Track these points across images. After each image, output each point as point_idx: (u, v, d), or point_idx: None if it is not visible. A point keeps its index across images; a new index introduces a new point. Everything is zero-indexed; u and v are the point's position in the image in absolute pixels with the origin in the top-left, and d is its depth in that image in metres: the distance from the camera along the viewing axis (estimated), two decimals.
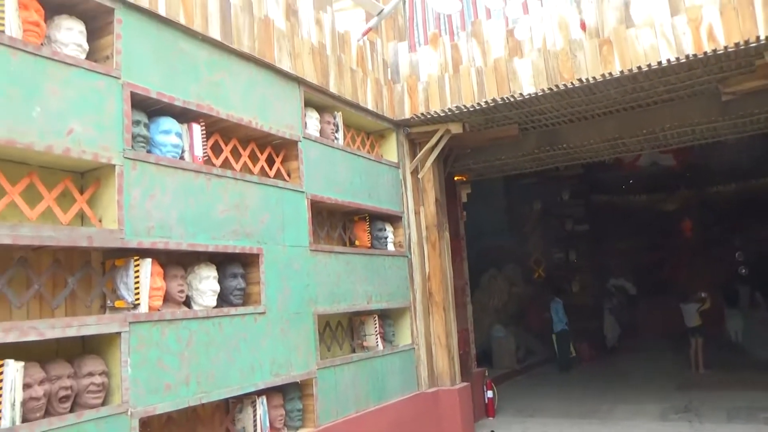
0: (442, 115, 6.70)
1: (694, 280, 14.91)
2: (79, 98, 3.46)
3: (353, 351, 6.09)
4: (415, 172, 7.21)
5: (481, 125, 7.28)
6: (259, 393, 4.57)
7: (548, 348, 13.66)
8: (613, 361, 13.85)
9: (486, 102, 6.36)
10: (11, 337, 2.98)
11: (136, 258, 3.75)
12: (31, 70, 3.24)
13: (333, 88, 5.85)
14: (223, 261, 4.52)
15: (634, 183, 17.77)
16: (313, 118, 5.72)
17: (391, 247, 6.66)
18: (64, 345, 3.52)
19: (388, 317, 6.57)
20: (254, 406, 4.51)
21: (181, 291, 4.10)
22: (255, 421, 4.50)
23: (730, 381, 9.96)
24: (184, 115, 4.29)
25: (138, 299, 3.72)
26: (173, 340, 3.86)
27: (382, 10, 6.56)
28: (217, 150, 4.70)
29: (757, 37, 5.13)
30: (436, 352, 6.99)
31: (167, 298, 4.00)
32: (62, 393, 3.23)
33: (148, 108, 4.07)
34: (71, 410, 3.28)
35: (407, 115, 6.82)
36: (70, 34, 3.58)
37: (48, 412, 3.18)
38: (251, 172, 4.93)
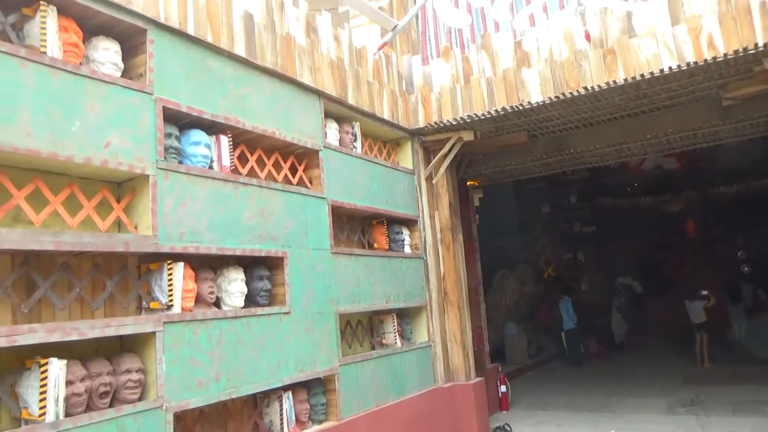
0: (455, 123, 6.69)
1: (698, 278, 14.69)
2: (115, 113, 3.51)
3: (373, 348, 6.08)
4: (429, 178, 7.20)
5: (492, 133, 7.26)
6: (285, 388, 4.58)
7: (558, 345, 13.55)
8: (620, 356, 13.68)
9: (496, 110, 6.33)
10: (54, 337, 3.02)
11: (169, 262, 3.78)
12: (71, 88, 3.29)
13: (351, 100, 5.87)
14: (250, 264, 4.55)
15: (638, 186, 17.58)
16: (332, 128, 5.74)
17: (407, 249, 6.65)
18: (104, 344, 3.55)
19: (405, 316, 6.56)
20: (281, 401, 4.53)
21: (212, 293, 4.13)
22: (281, 415, 4.51)
23: (735, 375, 9.80)
24: (212, 128, 4.33)
25: (171, 301, 3.75)
26: (204, 339, 3.88)
27: (396, 26, 6.57)
28: (243, 160, 4.73)
29: (756, 45, 5.07)
30: (451, 348, 6.97)
31: (198, 300, 4.03)
32: (102, 389, 3.27)
33: (179, 121, 4.11)
34: (110, 405, 3.31)
35: (421, 124, 6.82)
36: (107, 53, 3.63)
37: (89, 407, 3.22)
38: (275, 180, 4.95)
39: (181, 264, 3.82)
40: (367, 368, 5.50)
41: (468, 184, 8.78)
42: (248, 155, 4.79)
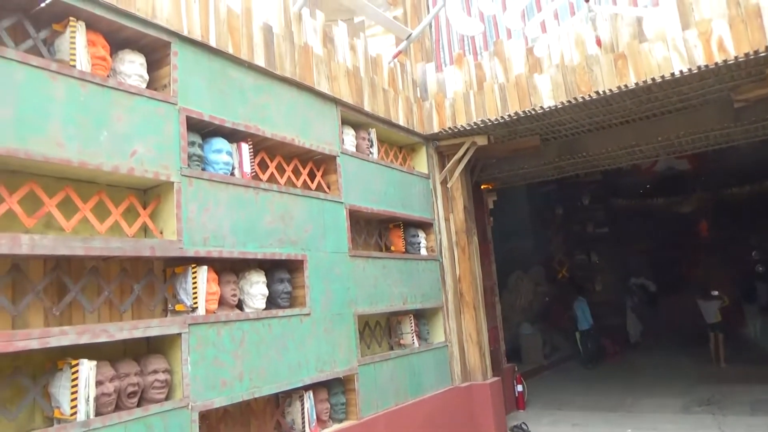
0: (468, 128, 6.67)
1: (712, 278, 14.48)
2: (141, 123, 3.56)
3: (391, 348, 6.07)
4: (444, 182, 7.19)
5: (505, 137, 7.23)
6: (306, 388, 4.59)
7: (573, 345, 13.41)
8: (635, 356, 13.51)
9: (509, 115, 6.31)
10: (84, 339, 3.06)
11: (193, 266, 3.82)
12: (99, 100, 3.34)
13: (367, 107, 5.88)
14: (270, 267, 4.57)
15: (651, 187, 17.39)
16: (349, 134, 5.76)
17: (423, 251, 6.64)
18: (131, 345, 3.59)
19: (422, 317, 6.54)
20: (302, 400, 4.53)
21: (234, 295, 4.15)
22: (303, 414, 4.52)
23: (752, 375, 9.59)
24: (233, 135, 4.37)
25: (196, 303, 3.78)
26: (228, 340, 3.91)
27: (410, 35, 6.59)
28: (263, 166, 4.77)
29: (766, 47, 4.99)
30: (468, 348, 6.93)
31: (221, 302, 4.06)
32: (130, 389, 3.29)
33: (201, 130, 4.15)
34: (138, 405, 3.34)
35: (436, 129, 6.81)
36: (133, 66, 3.68)
37: (118, 407, 3.25)
38: (295, 186, 4.98)
39: (205, 267, 3.85)
40: (385, 368, 5.50)
41: (482, 187, 8.75)
42: (268, 162, 4.82)
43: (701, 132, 7.20)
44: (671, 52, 5.40)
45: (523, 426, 7.15)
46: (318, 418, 4.66)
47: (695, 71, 5.37)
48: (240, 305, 4.29)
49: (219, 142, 4.21)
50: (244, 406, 4.26)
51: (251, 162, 4.44)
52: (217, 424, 4.04)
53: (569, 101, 5.97)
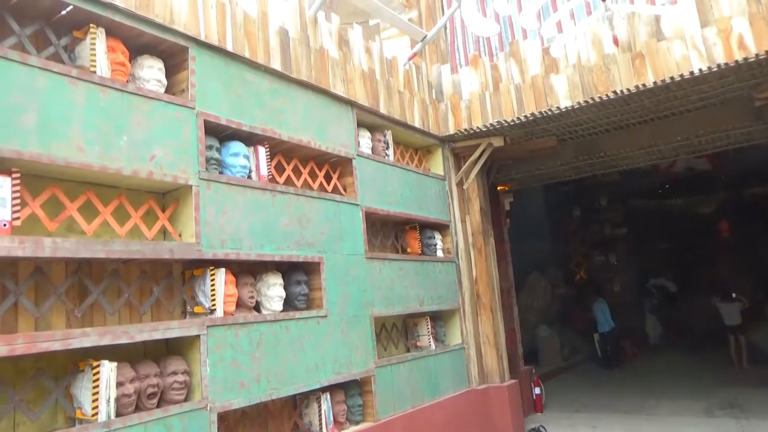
0: (484, 129, 6.65)
1: (732, 279, 14.25)
2: (160, 127, 3.60)
3: (408, 350, 6.07)
4: (460, 184, 7.17)
5: (522, 138, 7.19)
6: (323, 390, 4.60)
7: (591, 346, 13.28)
8: (655, 358, 13.34)
9: (525, 116, 6.28)
10: (106, 340, 3.10)
11: (211, 268, 3.85)
12: (119, 105, 3.39)
13: (383, 109, 5.89)
14: (287, 269, 4.60)
15: (670, 187, 17.17)
16: (365, 137, 5.77)
17: (440, 253, 6.63)
18: (151, 347, 3.63)
19: (439, 318, 6.53)
20: (319, 402, 4.55)
21: (252, 297, 4.18)
22: (320, 415, 4.53)
23: None
24: (250, 139, 4.40)
25: (214, 305, 3.82)
26: (246, 342, 3.94)
27: (425, 37, 6.59)
28: (280, 169, 4.80)
29: None
30: (485, 350, 6.90)
31: (239, 304, 4.08)
32: (150, 390, 3.32)
33: (219, 133, 4.19)
34: (158, 406, 3.37)
35: (451, 131, 6.80)
36: (151, 71, 3.73)
37: (138, 408, 3.28)
38: (311, 188, 5.00)
39: (223, 270, 3.89)
40: (402, 370, 5.49)
41: (498, 188, 8.71)
42: (285, 164, 4.85)
43: (721, 131, 7.11)
44: (690, 50, 5.34)
45: (541, 429, 7.10)
46: (335, 420, 4.67)
47: (715, 69, 5.30)
48: (257, 307, 4.31)
49: (236, 146, 4.25)
50: (261, 408, 4.28)
51: (268, 165, 4.46)
52: (236, 426, 4.07)
53: (586, 101, 5.93)
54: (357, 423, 4.91)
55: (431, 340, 6.12)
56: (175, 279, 3.89)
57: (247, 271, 4.27)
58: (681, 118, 7.08)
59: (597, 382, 10.82)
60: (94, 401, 3.03)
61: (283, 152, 4.85)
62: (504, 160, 7.87)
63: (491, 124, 6.51)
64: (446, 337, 6.56)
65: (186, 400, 3.51)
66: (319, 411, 4.53)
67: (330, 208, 4.99)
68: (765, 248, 16.19)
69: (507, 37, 6.82)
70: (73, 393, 3.13)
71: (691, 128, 7.08)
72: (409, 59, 6.57)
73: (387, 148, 6.06)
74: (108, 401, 3.08)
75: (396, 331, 6.04)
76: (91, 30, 3.39)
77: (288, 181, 4.80)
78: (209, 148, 3.99)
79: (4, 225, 2.80)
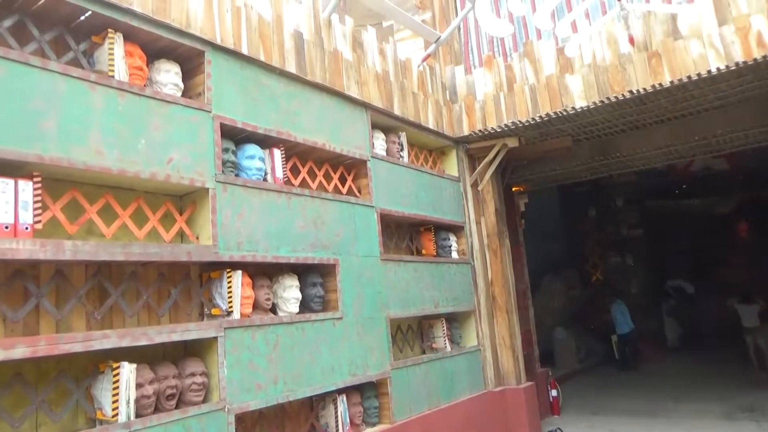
0: (499, 130, 6.64)
1: (752, 280, 14.06)
2: (177, 131, 3.64)
3: (423, 352, 6.07)
4: (475, 185, 7.16)
5: (536, 138, 7.17)
6: (339, 391, 4.61)
7: (608, 348, 13.16)
8: (674, 360, 13.19)
9: (540, 117, 6.26)
10: (125, 342, 3.13)
11: (228, 270, 3.88)
12: (137, 109, 3.43)
13: (397, 111, 5.90)
14: (303, 271, 4.62)
15: (687, 187, 16.99)
16: (379, 138, 5.79)
17: (455, 255, 6.62)
18: (169, 349, 3.67)
19: (454, 320, 6.52)
20: (335, 404, 4.56)
21: (268, 299, 4.20)
22: (336, 417, 4.54)
23: None
24: (265, 141, 4.43)
25: (231, 307, 3.85)
26: (262, 344, 3.96)
27: (439, 38, 6.60)
28: (295, 171, 4.82)
29: None
30: (501, 352, 6.88)
31: (256, 306, 4.11)
32: (169, 391, 3.35)
33: (235, 136, 4.22)
34: (177, 407, 3.40)
35: (466, 132, 6.79)
36: (168, 75, 3.77)
37: (157, 409, 3.31)
38: (326, 190, 5.02)
39: (239, 272, 3.92)
40: (418, 372, 5.49)
41: (513, 189, 8.68)
42: (300, 167, 4.88)
43: (740, 130, 7.02)
44: (707, 49, 5.29)
45: (559, 431, 7.05)
46: (351, 422, 4.68)
47: (733, 68, 5.24)
48: (274, 309, 4.34)
49: (252, 149, 4.28)
50: (278, 409, 4.30)
51: (283, 167, 4.49)
52: (253, 427, 4.10)
53: (602, 101, 5.89)
54: (373, 425, 4.92)
55: (447, 342, 6.11)
56: (193, 281, 3.92)
57: (263, 273, 4.30)
58: (698, 117, 7.00)
59: (614, 385, 10.73)
60: (114, 402, 3.07)
61: (298, 154, 4.88)
62: (519, 160, 7.84)
63: (506, 125, 6.49)
64: (462, 339, 6.55)
65: (204, 401, 3.54)
66: (336, 413, 4.55)
67: (345, 210, 5.00)
68: None
69: (521, 38, 6.80)
70: (94, 394, 3.17)
71: (709, 128, 7.01)
72: (423, 60, 6.57)
73: (401, 149, 6.06)
74: (128, 402, 3.11)
75: (411, 333, 6.04)
76: (110, 35, 3.44)
77: (303, 184, 4.82)
78: (225, 150, 4.02)
79: (26, 228, 2.84)
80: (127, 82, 3.46)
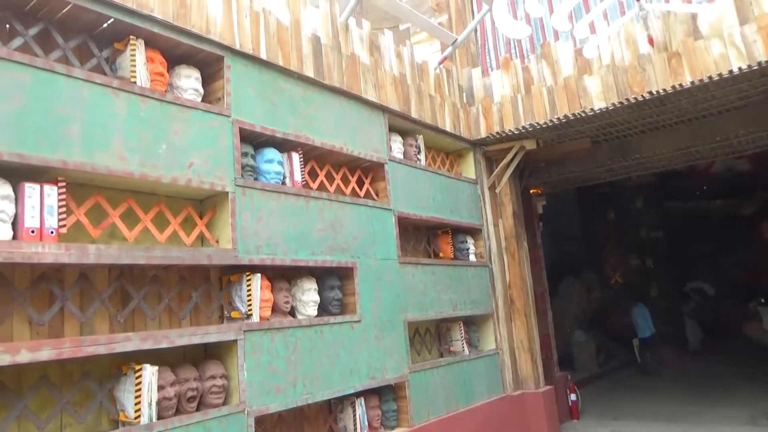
0: (516, 132, 6.62)
1: None
2: (197, 135, 3.69)
3: (441, 355, 6.06)
4: (492, 188, 7.14)
5: (554, 140, 7.13)
6: (358, 395, 4.63)
7: (628, 352, 13.02)
8: (696, 365, 13.00)
9: (558, 118, 6.23)
10: (147, 345, 3.18)
11: (248, 273, 3.92)
12: (158, 114, 3.49)
13: (414, 114, 5.92)
14: (321, 274, 4.64)
15: (708, 189, 16.77)
16: (397, 141, 5.80)
17: (472, 257, 6.61)
18: (190, 351, 3.70)
19: (472, 323, 6.50)
20: (354, 407, 4.58)
21: (287, 302, 4.24)
22: (355, 420, 4.56)
23: None
24: (284, 145, 4.47)
25: (250, 310, 3.88)
26: (281, 346, 3.99)
27: (456, 40, 6.60)
28: (313, 174, 4.86)
29: None
30: (519, 356, 6.85)
31: (275, 309, 4.14)
32: (190, 394, 3.39)
33: (253, 140, 4.27)
34: (197, 409, 3.44)
35: (483, 134, 6.78)
36: (189, 81, 3.83)
37: (178, 411, 3.35)
38: (344, 194, 5.05)
39: (259, 275, 3.95)
40: (436, 375, 5.49)
41: (531, 192, 8.64)
42: (318, 170, 4.91)
43: (762, 130, 6.91)
44: (729, 48, 5.23)
45: None
46: (370, 425, 4.69)
47: (755, 67, 5.17)
48: (292, 312, 4.37)
49: (270, 152, 4.32)
50: (297, 412, 4.33)
51: (301, 171, 4.53)
52: (272, 429, 4.12)
53: (621, 102, 5.85)
54: (392, 428, 4.92)
55: (465, 345, 6.10)
56: (213, 284, 3.97)
57: (282, 276, 4.33)
58: (720, 117, 6.92)
59: (635, 389, 10.61)
60: (136, 404, 3.11)
61: (316, 158, 4.91)
62: (537, 162, 7.81)
63: (523, 127, 6.47)
64: (480, 342, 6.53)
65: (224, 403, 3.58)
66: (354, 416, 4.56)
67: (363, 213, 5.02)
68: None
69: (538, 39, 6.78)
70: (117, 396, 3.22)
71: (731, 128, 6.91)
72: (440, 63, 6.59)
73: (419, 152, 6.07)
74: (150, 404, 3.15)
75: (429, 336, 6.04)
76: (131, 42, 3.50)
77: (321, 187, 4.85)
78: (244, 155, 4.07)
79: (52, 232, 2.90)
80: (149, 87, 3.52)
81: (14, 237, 2.81)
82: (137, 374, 3.15)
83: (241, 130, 4.02)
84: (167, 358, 3.47)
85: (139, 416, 3.11)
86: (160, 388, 3.23)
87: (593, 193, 14.41)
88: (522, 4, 6.70)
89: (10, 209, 2.79)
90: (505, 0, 6.57)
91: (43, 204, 2.89)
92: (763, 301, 11.25)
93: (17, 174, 2.88)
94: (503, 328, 6.75)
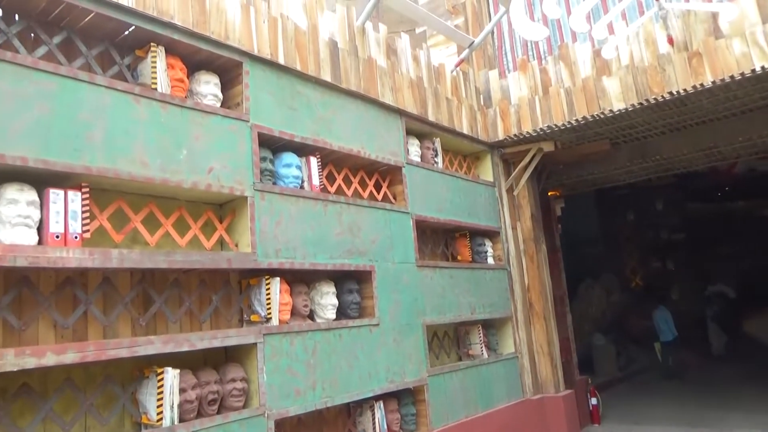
0: (534, 134, 6.59)
1: None
2: (216, 141, 3.73)
3: (460, 359, 6.04)
4: (510, 190, 7.12)
5: (573, 142, 7.09)
6: (377, 398, 4.63)
7: (649, 356, 12.85)
8: (719, 369, 12.79)
9: (576, 120, 6.19)
10: (169, 348, 3.22)
11: (267, 277, 3.95)
12: (179, 120, 3.54)
13: (431, 117, 5.92)
14: (340, 278, 4.66)
15: (730, 190, 16.51)
16: (414, 144, 5.81)
17: (490, 260, 6.59)
18: (210, 354, 3.74)
19: (491, 327, 6.48)
20: (373, 410, 4.58)
21: (306, 305, 4.26)
22: (374, 424, 4.56)
23: None
24: (302, 149, 4.50)
25: (270, 314, 3.91)
26: (301, 350, 4.01)
27: (472, 43, 6.60)
28: (331, 178, 4.88)
29: None
30: (539, 360, 6.80)
31: (294, 312, 4.17)
32: (211, 397, 3.42)
33: (272, 145, 4.30)
34: (218, 412, 3.47)
35: (500, 136, 6.77)
36: (208, 86, 3.87)
37: (199, 414, 3.38)
38: (361, 197, 5.07)
39: (278, 279, 3.98)
40: (455, 379, 5.48)
41: (549, 194, 8.59)
42: (335, 174, 4.94)
43: None
44: (751, 47, 5.16)
45: None
46: (389, 429, 4.69)
47: None
48: (311, 316, 4.39)
49: (289, 157, 4.35)
50: (316, 415, 4.35)
51: (319, 175, 4.55)
52: None
53: (640, 103, 5.80)
54: None
55: (483, 348, 6.08)
56: (233, 288, 4.00)
57: (300, 280, 4.36)
58: (742, 117, 6.82)
59: (657, 393, 10.47)
60: (158, 407, 3.15)
61: (334, 162, 4.93)
62: (555, 165, 7.76)
63: (541, 129, 6.45)
64: (499, 345, 6.50)
65: (244, 406, 3.61)
66: (373, 419, 4.57)
67: (380, 216, 5.04)
68: None
69: (556, 41, 6.75)
70: (139, 399, 3.26)
71: (754, 128, 6.81)
72: (457, 66, 6.58)
73: (436, 155, 6.08)
74: (172, 407, 3.19)
75: (448, 340, 6.03)
76: (152, 49, 3.55)
77: (339, 191, 4.88)
78: (263, 159, 4.10)
79: (76, 237, 2.96)
80: (169, 94, 3.57)
81: (39, 242, 2.86)
82: (159, 377, 3.19)
83: (260, 135, 4.06)
84: (188, 361, 3.50)
85: (162, 419, 3.15)
86: (182, 391, 3.27)
87: (612, 194, 14.26)
88: (539, 5, 6.68)
89: (36, 215, 2.85)
90: (522, 2, 6.54)
91: (67, 209, 2.95)
92: None
93: (42, 180, 2.94)
94: (522, 332, 6.72)
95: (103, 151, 3.13)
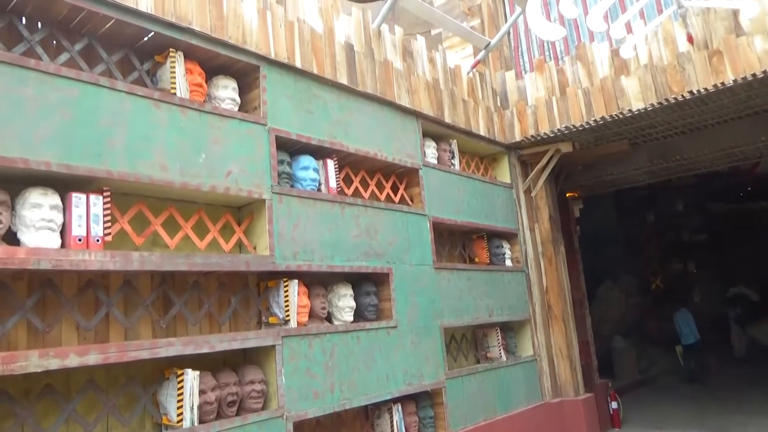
0: (552, 135, 6.56)
1: None
2: (234, 144, 3.77)
3: (478, 362, 6.02)
4: (528, 191, 7.08)
5: (591, 143, 7.04)
6: (395, 401, 4.63)
7: (670, 359, 12.67)
8: (742, 372, 12.58)
9: (594, 120, 6.15)
10: (189, 350, 3.25)
11: (285, 279, 3.98)
12: (197, 124, 3.58)
13: (447, 119, 5.92)
14: (357, 280, 4.68)
15: (753, 190, 16.25)
16: (431, 146, 5.81)
17: (508, 262, 6.56)
18: (229, 356, 3.78)
19: (509, 329, 6.45)
20: (391, 413, 4.58)
21: (323, 308, 4.28)
22: (392, 426, 4.56)
23: None
24: (319, 152, 4.53)
25: (288, 316, 3.94)
26: (319, 352, 4.03)
27: (488, 44, 6.59)
28: (348, 181, 4.90)
29: None
30: (558, 363, 6.75)
31: (312, 315, 4.19)
32: (230, 398, 3.45)
33: (289, 148, 4.34)
34: (237, 414, 3.50)
35: (518, 138, 6.74)
36: (226, 90, 3.92)
37: (219, 415, 3.42)
38: (378, 200, 5.08)
39: (296, 281, 4.01)
40: (473, 382, 5.46)
41: (567, 195, 8.52)
42: (352, 177, 4.96)
43: None
44: None
45: None
46: (407, 431, 4.69)
47: None
48: (329, 318, 4.41)
49: (306, 160, 4.38)
50: (335, 417, 4.36)
51: (337, 177, 4.58)
52: None
53: (660, 103, 5.75)
54: None
55: (502, 351, 6.05)
56: (251, 290, 4.04)
57: (318, 282, 4.38)
58: (764, 116, 6.72)
59: (679, 397, 10.32)
60: (179, 408, 3.19)
61: (351, 164, 4.95)
62: (573, 166, 7.71)
63: (559, 130, 6.41)
64: (517, 348, 6.47)
65: (263, 408, 3.64)
66: (391, 422, 4.57)
67: (397, 218, 5.04)
68: None
69: (573, 41, 6.71)
70: (160, 400, 3.30)
71: None
72: (473, 67, 6.58)
73: (453, 157, 6.07)
74: (192, 408, 3.22)
75: (466, 342, 6.01)
76: (171, 54, 3.60)
77: (356, 193, 4.89)
78: (281, 162, 4.14)
79: (97, 240, 3.00)
80: (188, 98, 3.62)
81: (62, 245, 2.92)
82: (179, 379, 3.22)
83: (278, 138, 4.10)
84: (207, 363, 3.53)
85: (182, 420, 3.18)
86: (202, 392, 3.30)
87: (632, 195, 14.12)
88: (555, 5, 6.64)
89: (59, 218, 2.91)
90: (539, 2, 6.51)
91: (89, 213, 3.00)
92: None
93: (65, 184, 3.00)
94: (541, 334, 6.67)
95: (124, 156, 3.18)
